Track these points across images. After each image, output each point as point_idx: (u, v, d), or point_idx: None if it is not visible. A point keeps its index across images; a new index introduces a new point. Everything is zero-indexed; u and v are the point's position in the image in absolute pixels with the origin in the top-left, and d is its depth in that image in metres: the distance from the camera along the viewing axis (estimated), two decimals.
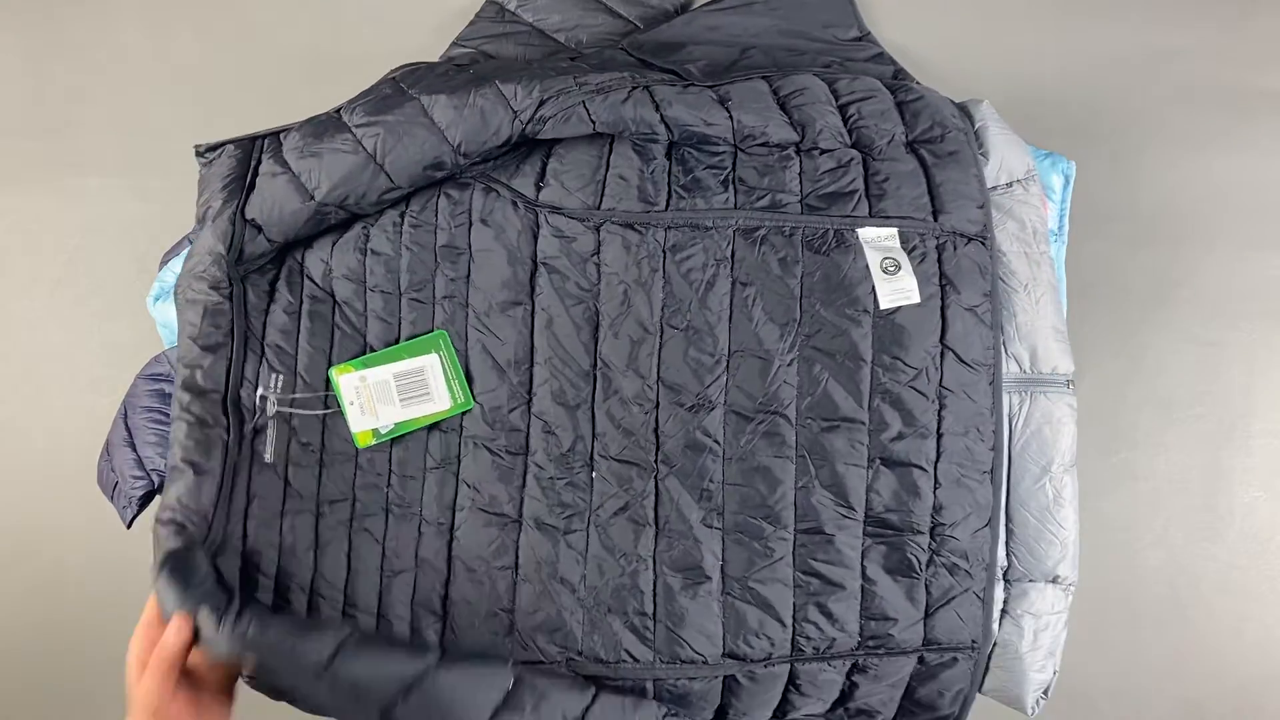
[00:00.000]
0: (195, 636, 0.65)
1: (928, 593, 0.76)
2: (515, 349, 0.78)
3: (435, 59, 0.97)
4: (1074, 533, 0.80)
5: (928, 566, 0.76)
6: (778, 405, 0.75)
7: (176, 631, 0.64)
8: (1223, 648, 1.02)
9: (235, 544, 0.76)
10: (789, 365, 0.76)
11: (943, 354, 0.76)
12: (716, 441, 0.76)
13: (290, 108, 0.85)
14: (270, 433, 0.79)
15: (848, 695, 0.77)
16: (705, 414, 0.76)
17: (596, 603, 0.76)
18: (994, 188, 0.82)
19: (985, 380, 0.76)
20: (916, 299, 0.76)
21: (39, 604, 1.17)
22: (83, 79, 1.11)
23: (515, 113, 0.76)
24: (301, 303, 0.81)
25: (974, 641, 0.77)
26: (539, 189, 0.79)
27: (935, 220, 0.78)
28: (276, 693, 0.70)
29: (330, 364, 0.81)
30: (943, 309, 0.76)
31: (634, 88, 0.77)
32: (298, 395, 0.80)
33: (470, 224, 0.79)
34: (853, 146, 0.80)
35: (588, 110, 0.76)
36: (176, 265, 0.84)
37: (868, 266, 0.76)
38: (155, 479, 0.81)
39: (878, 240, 0.77)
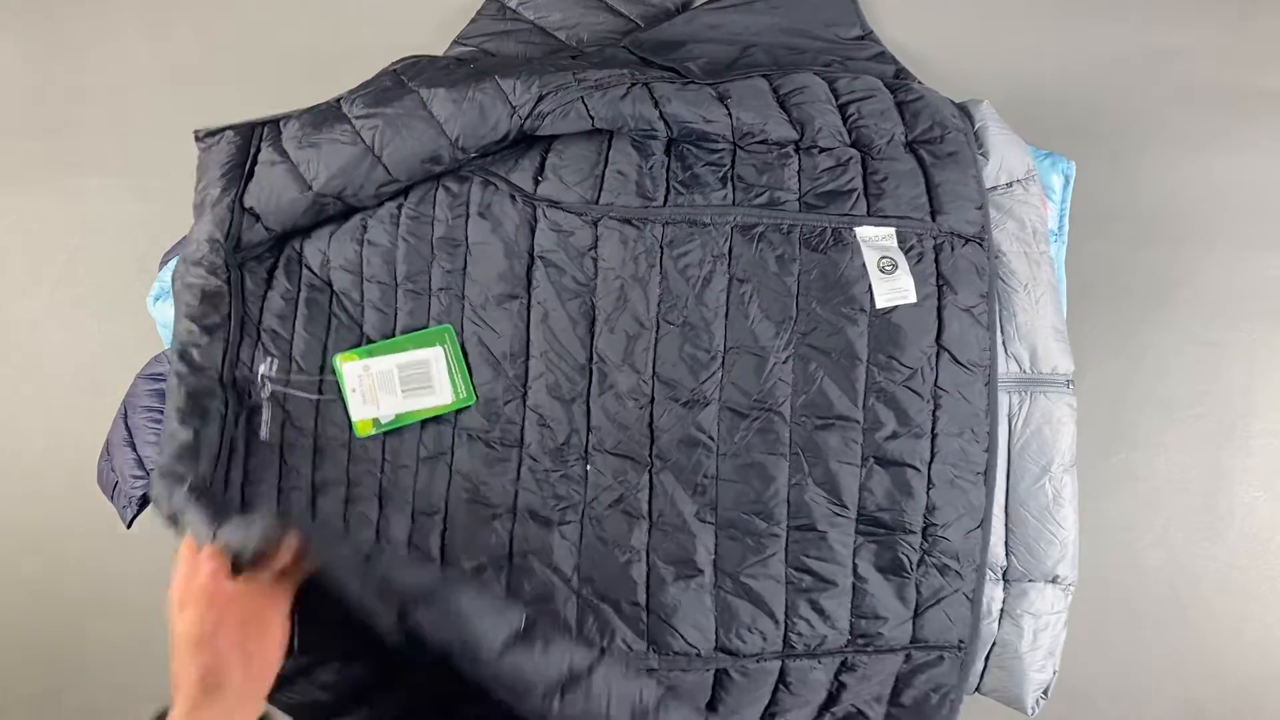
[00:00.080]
0: (234, 566, 0.65)
1: (918, 592, 0.76)
2: (511, 342, 0.78)
3: None
4: (1074, 533, 0.80)
5: (919, 566, 0.76)
6: (772, 402, 0.75)
7: (209, 557, 0.64)
8: (1223, 648, 1.02)
9: (234, 511, 0.76)
10: (784, 363, 0.76)
11: (938, 354, 0.76)
12: (711, 437, 0.76)
13: (290, 107, 0.85)
14: (266, 413, 0.80)
15: (835, 698, 0.77)
16: (700, 410, 0.76)
17: (590, 593, 0.76)
18: (994, 188, 0.82)
19: (981, 381, 0.76)
20: (913, 298, 0.75)
21: (39, 604, 1.17)
22: (83, 79, 1.12)
23: (514, 108, 0.76)
24: (299, 290, 0.82)
25: (961, 641, 0.77)
26: (537, 183, 0.79)
27: (933, 220, 0.78)
28: (311, 598, 0.68)
29: (326, 352, 0.81)
30: (939, 309, 0.76)
31: (633, 84, 0.77)
32: (292, 378, 0.80)
33: (468, 217, 0.79)
34: (852, 145, 0.80)
35: (586, 106, 0.76)
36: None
37: (865, 265, 0.76)
38: None
39: (875, 239, 0.77)
